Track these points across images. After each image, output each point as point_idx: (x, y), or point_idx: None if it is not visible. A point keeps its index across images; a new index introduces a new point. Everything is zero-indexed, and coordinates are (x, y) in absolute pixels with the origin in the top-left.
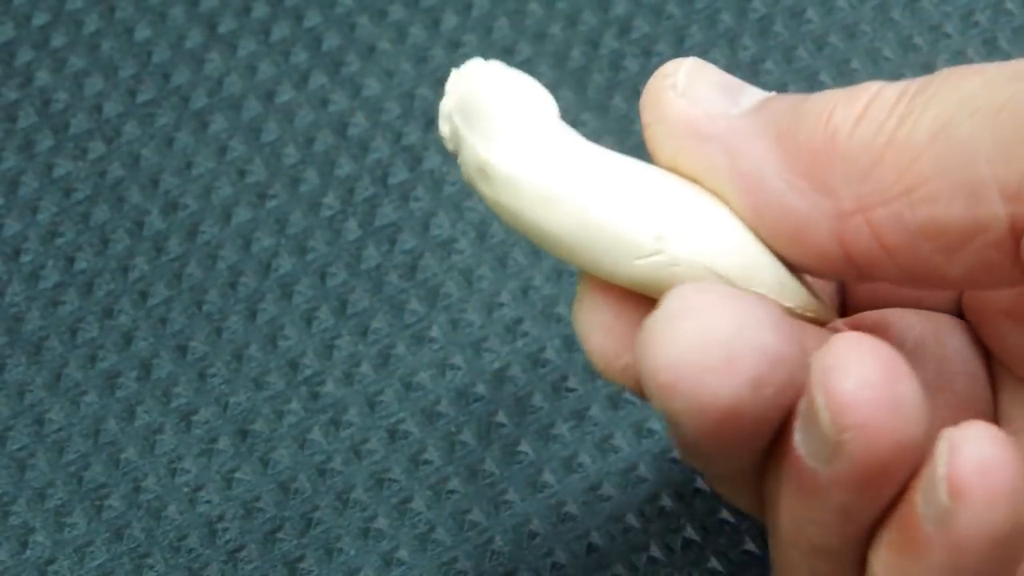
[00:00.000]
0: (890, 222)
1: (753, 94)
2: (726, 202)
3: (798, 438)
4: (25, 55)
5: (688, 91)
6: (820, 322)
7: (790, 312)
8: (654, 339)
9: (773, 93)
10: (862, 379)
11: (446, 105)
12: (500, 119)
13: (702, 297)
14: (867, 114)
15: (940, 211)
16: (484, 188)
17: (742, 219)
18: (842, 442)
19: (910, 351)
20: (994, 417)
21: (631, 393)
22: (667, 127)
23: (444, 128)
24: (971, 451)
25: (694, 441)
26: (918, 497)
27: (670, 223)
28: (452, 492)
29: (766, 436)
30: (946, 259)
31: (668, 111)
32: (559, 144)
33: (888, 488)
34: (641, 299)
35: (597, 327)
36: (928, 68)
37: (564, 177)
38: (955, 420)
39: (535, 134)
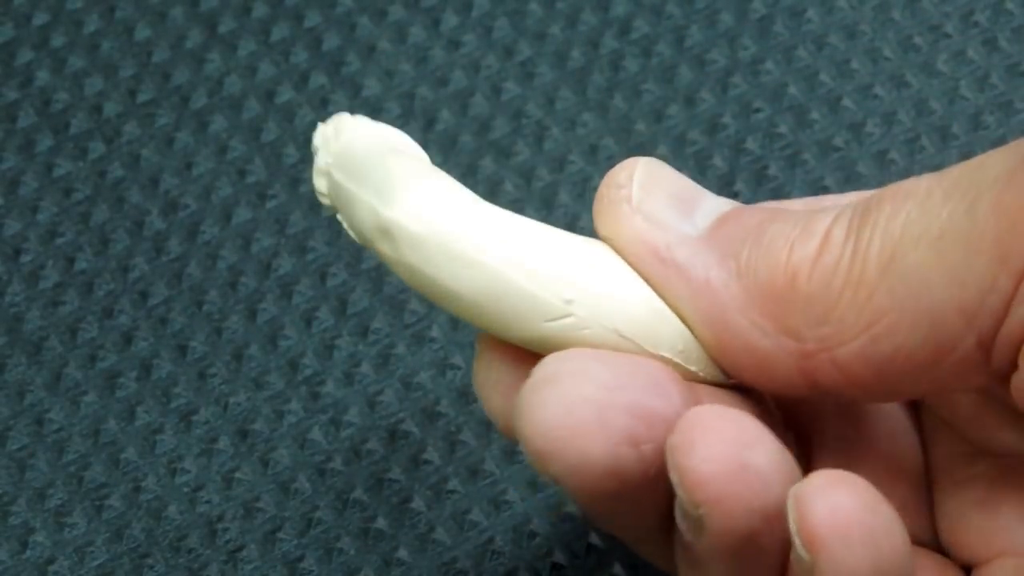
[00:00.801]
0: (854, 358)
1: (709, 208)
2: (686, 325)
3: (675, 511)
4: (25, 55)
5: (643, 206)
6: (724, 387)
7: (694, 376)
8: (527, 405)
9: (726, 205)
10: (708, 454)
11: (322, 160)
12: (397, 178)
13: (574, 361)
14: (822, 254)
15: (903, 342)
16: (385, 248)
17: (702, 344)
18: (700, 517)
19: (831, 411)
20: (924, 471)
21: None
22: (625, 245)
23: (321, 183)
24: (816, 501)
25: (586, 504)
26: (792, 556)
27: (581, 288)
28: (452, 492)
29: (660, 495)
30: (914, 381)
31: (624, 230)
32: (467, 205)
33: (762, 554)
34: (538, 359)
35: (495, 388)
36: (928, 68)
37: (478, 239)
38: (875, 477)
39: (438, 194)
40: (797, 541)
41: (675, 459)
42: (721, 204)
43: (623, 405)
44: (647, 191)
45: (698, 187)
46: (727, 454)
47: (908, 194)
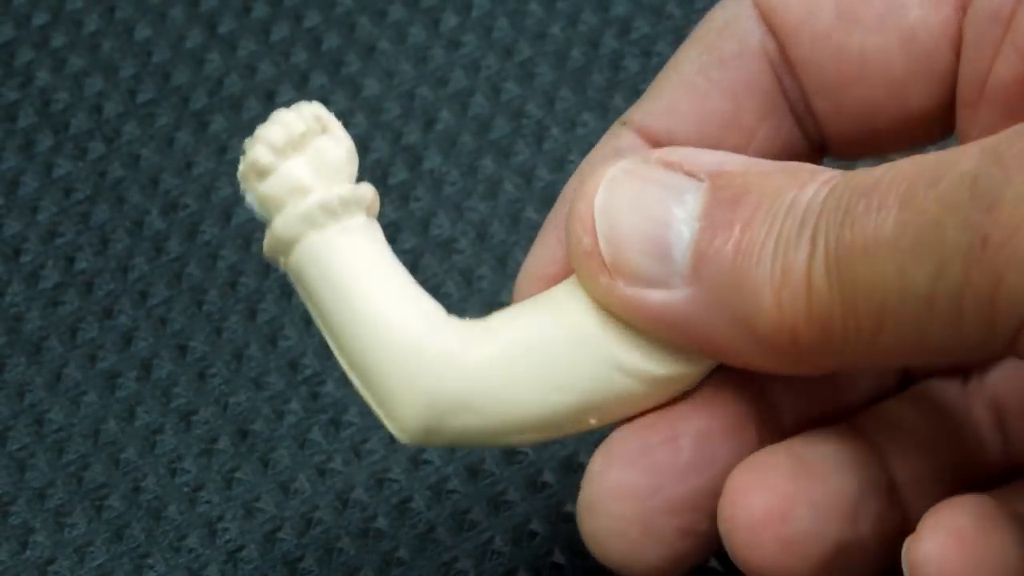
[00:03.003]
0: (875, 366)
1: (681, 242)
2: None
3: None
4: (25, 55)
5: (618, 267)
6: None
7: (668, 380)
8: (585, 530)
9: (695, 228)
10: (753, 541)
11: (270, 253)
12: (386, 376)
13: (611, 473)
14: (813, 308)
15: (918, 364)
16: None
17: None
18: None
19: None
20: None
21: None
22: (619, 314)
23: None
24: (927, 549)
25: None
26: None
27: (595, 412)
28: (452, 492)
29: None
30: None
31: (609, 299)
32: (461, 393)
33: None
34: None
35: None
36: None
37: (482, 434)
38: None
39: (432, 400)
40: None
41: (729, 543)
42: (691, 230)
43: (665, 508)
44: (615, 246)
45: (661, 211)
46: (770, 535)
47: (879, 244)
